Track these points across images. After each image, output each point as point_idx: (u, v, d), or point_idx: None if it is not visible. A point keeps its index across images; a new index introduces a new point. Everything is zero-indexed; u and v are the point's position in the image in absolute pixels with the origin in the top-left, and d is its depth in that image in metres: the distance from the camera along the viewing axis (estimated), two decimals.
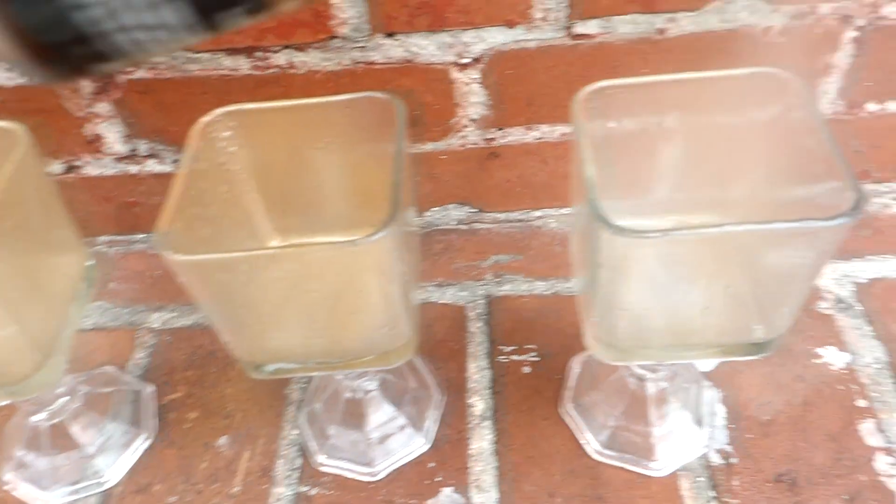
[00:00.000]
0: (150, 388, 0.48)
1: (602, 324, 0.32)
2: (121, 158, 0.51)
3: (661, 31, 0.43)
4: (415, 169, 0.52)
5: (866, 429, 0.42)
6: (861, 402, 0.43)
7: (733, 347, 0.32)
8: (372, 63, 0.45)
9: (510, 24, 0.43)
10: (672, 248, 0.26)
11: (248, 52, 0.43)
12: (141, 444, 0.45)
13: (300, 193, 0.37)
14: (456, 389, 0.47)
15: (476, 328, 0.50)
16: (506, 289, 0.52)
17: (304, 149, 0.35)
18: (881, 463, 0.40)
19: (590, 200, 0.27)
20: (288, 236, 0.39)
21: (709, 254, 0.26)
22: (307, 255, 0.27)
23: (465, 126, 0.49)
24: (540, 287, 0.52)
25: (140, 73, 0.45)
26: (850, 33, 0.43)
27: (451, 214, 0.56)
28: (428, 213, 0.56)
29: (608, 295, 0.30)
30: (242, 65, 0.44)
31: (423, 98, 0.47)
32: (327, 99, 0.33)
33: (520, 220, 0.56)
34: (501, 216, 0.56)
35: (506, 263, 0.54)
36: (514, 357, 0.48)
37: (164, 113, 0.47)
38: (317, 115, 0.33)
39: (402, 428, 0.44)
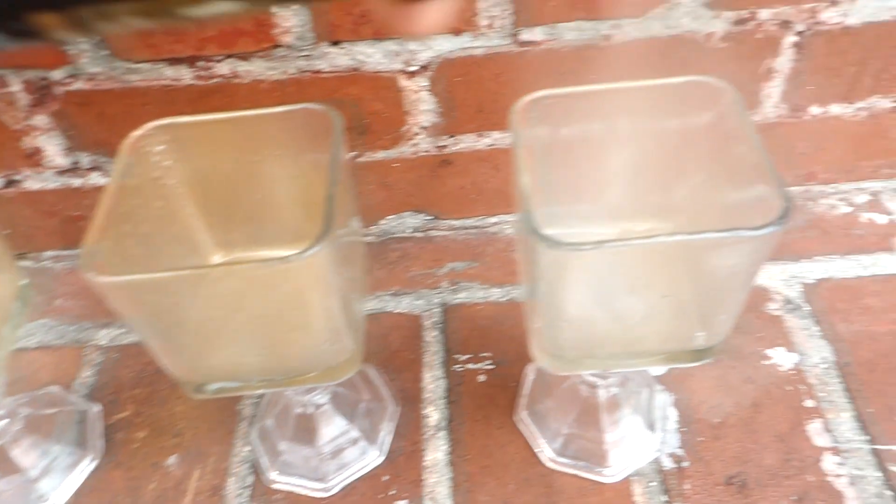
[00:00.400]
0: (96, 408, 0.47)
1: (545, 334, 0.31)
2: (63, 172, 0.50)
3: (607, 38, 0.43)
4: (367, 177, 0.52)
5: (814, 429, 0.42)
6: (809, 403, 0.43)
7: (677, 354, 0.32)
8: (318, 72, 0.44)
9: (456, 32, 0.42)
10: (606, 260, 0.26)
11: (189, 61, 0.42)
12: (87, 466, 0.44)
13: (241, 207, 0.36)
14: (411, 400, 0.46)
15: (432, 337, 0.49)
16: (461, 296, 0.52)
17: (242, 162, 0.34)
18: (828, 463, 0.41)
19: (525, 212, 0.27)
20: (231, 251, 0.39)
21: (643, 264, 0.26)
22: (237, 274, 0.26)
23: (416, 134, 0.49)
24: (496, 294, 0.52)
25: (78, 85, 0.44)
26: (791, 38, 0.43)
27: (407, 222, 0.56)
28: (383, 222, 0.56)
29: (549, 306, 0.29)
30: (185, 74, 0.43)
31: (372, 106, 0.46)
32: (264, 111, 0.32)
33: (475, 227, 0.56)
34: (457, 223, 0.56)
35: (462, 271, 0.53)
36: (470, 366, 0.48)
37: (105, 125, 0.45)
38: (254, 127, 0.32)
39: (355, 441, 0.44)
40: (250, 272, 0.26)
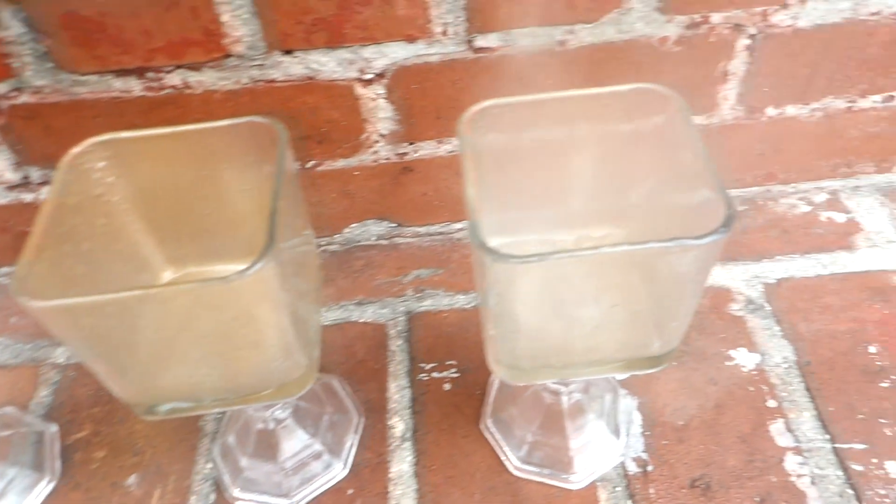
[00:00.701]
0: (53, 428, 0.46)
1: (500, 345, 0.31)
2: (13, 187, 0.48)
3: (562, 43, 0.43)
4: (328, 186, 0.51)
5: (776, 429, 0.42)
6: (771, 403, 0.44)
7: (633, 362, 0.32)
8: (272, 81, 0.43)
9: (410, 39, 0.42)
10: (554, 271, 0.26)
11: (138, 72, 0.41)
12: (44, 488, 0.43)
13: (191, 222, 0.35)
14: (376, 410, 0.46)
15: (397, 346, 0.49)
16: (427, 304, 0.51)
17: (189, 176, 0.33)
18: (791, 463, 0.41)
19: (472, 223, 0.26)
20: (183, 266, 0.38)
21: (591, 274, 0.26)
22: (179, 295, 0.26)
23: (376, 141, 0.48)
24: (461, 301, 0.51)
25: (24, 98, 0.42)
26: (743, 41, 0.44)
27: (371, 230, 0.55)
28: (347, 230, 0.55)
29: (501, 317, 0.29)
30: (134, 86, 0.42)
31: (329, 115, 0.46)
32: (208, 125, 0.31)
33: (440, 234, 0.56)
34: (422, 230, 0.56)
35: (427, 278, 0.53)
36: (435, 374, 0.47)
37: (53, 138, 0.44)
38: (199, 141, 0.31)
39: (318, 455, 0.43)
40: (192, 293, 0.26)
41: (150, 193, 0.34)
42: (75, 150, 0.30)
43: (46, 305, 0.25)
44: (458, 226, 0.56)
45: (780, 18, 0.42)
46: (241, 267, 0.26)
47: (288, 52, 0.42)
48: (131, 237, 0.34)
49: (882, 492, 0.39)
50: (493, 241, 0.37)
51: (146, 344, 0.29)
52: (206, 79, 0.42)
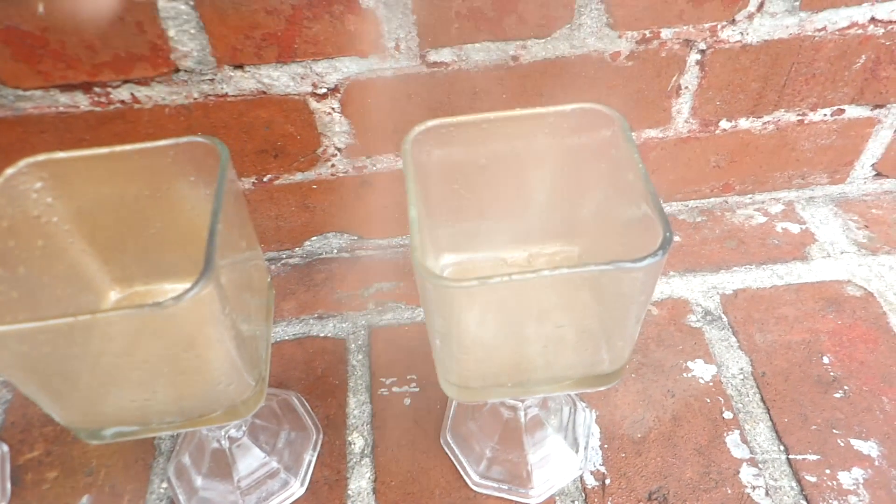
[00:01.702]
0: (4, 448, 0.45)
1: (448, 366, 0.31)
2: None
3: (515, 58, 0.43)
4: (287, 200, 0.51)
5: (732, 441, 0.43)
6: (727, 414, 0.44)
7: (583, 380, 0.32)
8: (224, 96, 0.43)
9: (362, 54, 0.42)
10: (496, 294, 0.25)
11: (84, 87, 0.41)
12: None
13: (136, 242, 0.35)
14: (335, 427, 0.45)
15: (357, 361, 0.49)
16: (388, 318, 0.51)
17: (131, 196, 0.33)
18: (746, 475, 0.41)
19: (413, 247, 0.26)
20: (130, 285, 0.37)
21: (535, 296, 0.26)
22: (112, 323, 0.25)
23: (333, 155, 0.48)
24: (422, 314, 0.51)
25: None
26: (694, 56, 0.44)
27: (332, 243, 0.55)
28: (307, 243, 0.54)
29: (446, 338, 0.29)
30: (81, 101, 0.41)
31: (284, 129, 0.45)
32: (148, 144, 0.31)
33: (402, 246, 0.55)
34: (384, 242, 0.55)
35: (388, 291, 0.53)
36: (395, 389, 0.47)
37: (0, 155, 0.43)
38: (138, 161, 0.31)
39: (275, 473, 0.42)
40: (126, 319, 0.25)
41: (91, 214, 0.33)
42: (9, 171, 0.29)
43: None
44: None
45: (729, 34, 0.43)
46: (188, 285, 0.25)
47: (238, 66, 0.41)
48: (73, 258, 0.33)
49: (835, 503, 0.40)
50: (445, 259, 0.37)
51: (85, 370, 0.28)
52: (156, 94, 0.42)
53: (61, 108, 0.42)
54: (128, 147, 0.30)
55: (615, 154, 0.29)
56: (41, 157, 0.30)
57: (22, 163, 0.29)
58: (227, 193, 0.29)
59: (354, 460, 0.43)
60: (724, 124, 0.49)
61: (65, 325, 0.25)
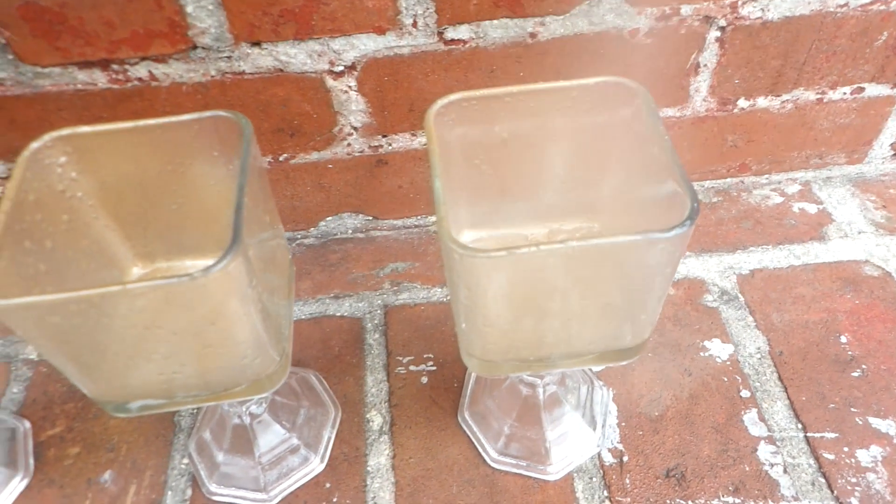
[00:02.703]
0: (26, 425, 0.45)
1: (471, 339, 0.31)
2: None
3: (533, 35, 0.42)
4: (302, 179, 0.51)
5: (749, 419, 0.43)
6: (744, 393, 0.44)
7: (605, 354, 0.32)
8: (241, 73, 0.43)
9: (380, 31, 0.41)
10: (521, 265, 0.26)
11: (102, 65, 0.41)
12: (17, 486, 0.42)
13: (159, 217, 0.35)
14: (353, 405, 0.46)
15: (374, 340, 0.49)
16: (403, 297, 0.51)
17: (155, 171, 0.33)
18: (764, 452, 0.41)
19: (439, 218, 0.26)
20: (152, 262, 0.37)
21: (559, 268, 0.26)
22: (142, 294, 0.25)
23: (349, 134, 0.48)
24: (437, 294, 0.51)
25: None
26: (714, 33, 0.44)
27: (347, 223, 0.55)
28: (322, 223, 0.55)
29: (471, 310, 0.29)
30: (99, 78, 0.41)
31: (301, 107, 0.45)
32: (172, 119, 0.31)
33: (416, 226, 0.56)
34: (398, 223, 0.55)
35: (403, 271, 0.53)
36: (412, 368, 0.47)
37: (18, 132, 0.43)
38: (160, 135, 0.31)
39: (295, 449, 0.43)
40: (157, 290, 0.25)
41: (115, 189, 0.33)
42: (34, 144, 0.29)
43: (7, 304, 0.25)
44: (434, 218, 0.55)
45: (750, 10, 0.42)
46: (211, 262, 0.26)
47: (256, 44, 0.41)
48: (97, 234, 0.33)
49: (853, 480, 0.40)
50: (465, 235, 0.37)
51: (113, 342, 0.28)
52: (173, 71, 0.42)
53: (79, 86, 0.42)
54: (151, 121, 0.30)
55: (639, 128, 0.29)
56: (65, 132, 0.30)
57: (46, 136, 0.30)
58: (252, 168, 0.29)
59: (373, 437, 0.44)
60: (743, 103, 0.49)
61: (96, 295, 0.25)
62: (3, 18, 0.37)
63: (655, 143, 0.27)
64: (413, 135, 0.48)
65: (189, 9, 0.38)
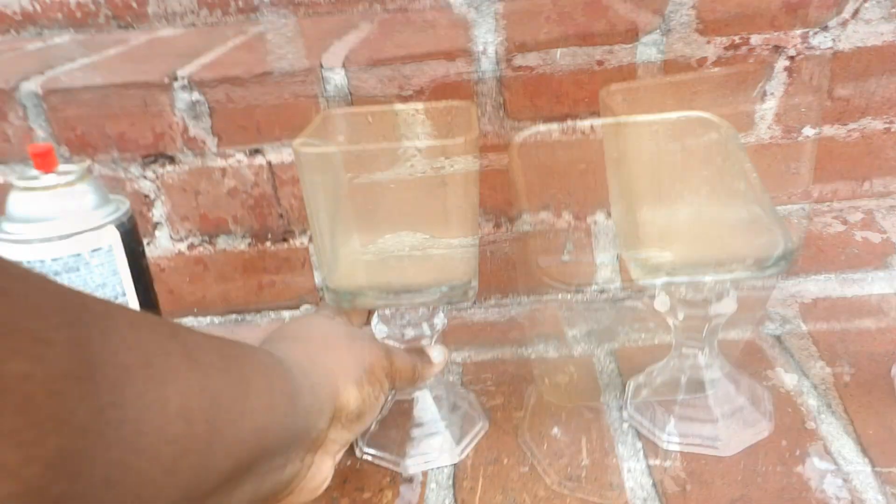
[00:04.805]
0: None
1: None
2: None
3: (600, 63, 0.43)
4: None
5: (815, 450, 0.42)
6: (809, 424, 0.43)
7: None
8: None
9: (450, 58, 0.42)
10: None
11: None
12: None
13: None
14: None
15: None
16: None
17: None
18: (831, 486, 0.40)
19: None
20: None
21: None
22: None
23: (413, 156, 0.49)
24: None
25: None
26: (783, 62, 0.44)
27: None
28: None
29: None
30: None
31: None
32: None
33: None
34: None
35: None
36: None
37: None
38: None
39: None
40: None
41: None
42: None
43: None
44: None
45: (821, 41, 0.42)
46: None
47: None
48: None
49: None
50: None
51: None
52: None
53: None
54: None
55: (721, 162, 0.29)
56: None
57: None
58: None
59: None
60: (808, 131, 0.48)
61: None
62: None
63: (740, 178, 0.27)
64: (475, 157, 0.49)
65: None
